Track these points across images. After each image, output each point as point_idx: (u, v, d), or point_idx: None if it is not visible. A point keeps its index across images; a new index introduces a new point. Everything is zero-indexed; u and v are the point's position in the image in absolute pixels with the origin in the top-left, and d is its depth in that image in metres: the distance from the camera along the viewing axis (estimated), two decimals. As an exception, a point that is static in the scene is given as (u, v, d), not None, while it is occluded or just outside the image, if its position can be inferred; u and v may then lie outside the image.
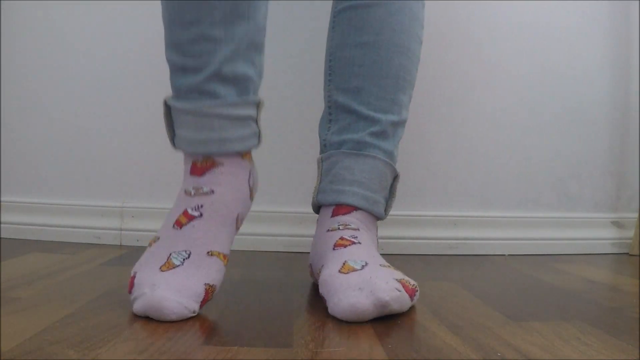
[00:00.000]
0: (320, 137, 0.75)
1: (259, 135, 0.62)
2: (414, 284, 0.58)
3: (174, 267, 0.54)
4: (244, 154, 0.61)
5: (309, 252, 0.71)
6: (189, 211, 0.57)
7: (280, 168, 1.02)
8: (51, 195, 1.04)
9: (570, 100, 1.09)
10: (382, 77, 0.70)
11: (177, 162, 1.03)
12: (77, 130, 1.04)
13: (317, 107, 0.79)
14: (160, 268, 0.54)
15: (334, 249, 0.61)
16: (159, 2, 0.59)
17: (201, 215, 0.57)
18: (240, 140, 0.59)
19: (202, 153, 0.59)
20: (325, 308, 0.56)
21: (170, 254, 0.55)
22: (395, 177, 0.74)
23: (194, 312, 0.53)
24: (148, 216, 1.01)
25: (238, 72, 0.58)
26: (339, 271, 0.57)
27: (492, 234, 1.04)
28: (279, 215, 1.01)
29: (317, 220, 0.71)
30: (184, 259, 0.54)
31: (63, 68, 1.04)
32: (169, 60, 0.59)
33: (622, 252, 1.08)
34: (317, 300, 0.62)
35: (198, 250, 0.55)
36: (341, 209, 0.67)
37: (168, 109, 0.60)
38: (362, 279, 0.55)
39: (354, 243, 0.62)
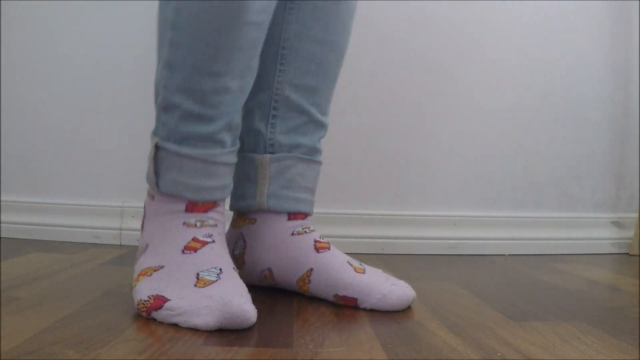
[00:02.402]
0: (258, 131, 0.69)
1: None
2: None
3: (212, 283, 0.52)
4: None
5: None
6: (200, 237, 0.57)
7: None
8: (51, 195, 1.04)
9: (570, 100, 1.09)
10: (332, 79, 0.70)
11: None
12: (77, 130, 1.04)
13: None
14: (196, 285, 0.52)
15: (318, 251, 0.64)
16: (159, 2, 0.59)
17: (213, 241, 0.58)
18: (230, 185, 0.62)
19: (206, 200, 0.59)
20: (327, 308, 0.56)
21: (197, 274, 0.54)
22: None
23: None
24: (148, 216, 1.01)
25: (239, 122, 0.61)
26: (356, 272, 0.61)
27: (492, 234, 1.04)
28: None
29: (254, 223, 0.68)
30: (218, 274, 0.54)
31: (63, 68, 1.04)
32: (176, 106, 0.57)
33: (622, 252, 1.08)
34: (317, 301, 0.63)
35: (226, 266, 0.55)
36: (298, 214, 0.67)
37: (158, 151, 0.59)
38: (384, 276, 0.62)
39: (329, 246, 0.65)
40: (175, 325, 0.50)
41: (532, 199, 1.08)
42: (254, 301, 0.61)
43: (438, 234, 1.03)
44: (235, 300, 0.50)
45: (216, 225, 0.59)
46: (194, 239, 0.57)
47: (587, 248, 1.07)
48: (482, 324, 0.54)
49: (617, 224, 1.10)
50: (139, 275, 0.56)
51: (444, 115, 1.06)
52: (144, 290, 0.54)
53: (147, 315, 0.52)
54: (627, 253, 1.07)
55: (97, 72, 1.04)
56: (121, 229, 1.01)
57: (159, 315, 0.52)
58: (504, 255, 1.03)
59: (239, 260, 0.68)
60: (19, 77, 1.05)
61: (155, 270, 0.56)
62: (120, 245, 1.00)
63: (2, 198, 1.04)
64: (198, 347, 0.44)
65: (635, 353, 0.46)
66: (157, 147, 0.59)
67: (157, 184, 0.59)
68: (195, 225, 0.58)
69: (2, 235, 1.02)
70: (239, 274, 0.59)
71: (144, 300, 0.53)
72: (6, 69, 1.05)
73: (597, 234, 1.09)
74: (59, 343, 0.44)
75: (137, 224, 1.01)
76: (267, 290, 0.67)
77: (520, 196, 1.08)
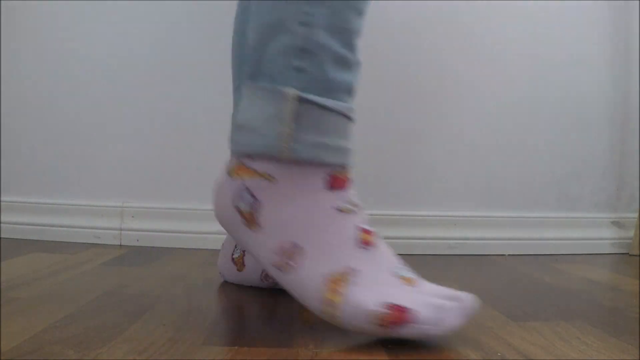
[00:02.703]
0: None
1: None
2: None
3: (416, 280, 0.48)
4: None
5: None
6: (366, 227, 0.50)
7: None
8: (51, 195, 1.04)
9: (570, 100, 1.09)
10: None
11: (176, 162, 1.03)
12: (77, 130, 1.04)
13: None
14: (405, 287, 0.47)
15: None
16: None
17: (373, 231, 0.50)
18: None
19: (344, 163, 0.50)
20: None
21: (394, 272, 0.48)
22: None
23: None
24: (148, 216, 1.01)
25: None
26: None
27: (492, 234, 1.04)
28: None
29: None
30: (409, 270, 0.49)
31: (63, 68, 1.04)
32: (324, 47, 0.48)
33: (622, 252, 1.08)
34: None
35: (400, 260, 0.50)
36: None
37: (299, 105, 0.47)
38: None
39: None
40: (175, 326, 0.50)
41: (532, 199, 1.08)
42: (254, 301, 0.62)
43: (438, 234, 1.03)
44: (453, 293, 0.47)
45: (361, 208, 0.51)
46: (364, 231, 0.49)
47: (587, 248, 1.07)
48: (482, 324, 0.54)
49: (617, 224, 1.10)
50: (331, 285, 0.46)
51: (444, 115, 1.06)
52: (367, 300, 0.45)
53: (387, 329, 0.45)
54: (627, 253, 1.07)
55: (97, 72, 1.04)
56: (121, 229, 1.01)
57: (408, 330, 0.44)
58: (504, 255, 1.03)
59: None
60: (19, 77, 1.05)
61: (349, 275, 0.46)
62: (120, 245, 1.00)
63: (2, 198, 1.04)
64: (198, 347, 0.44)
65: (635, 353, 0.46)
66: (299, 100, 0.47)
67: (292, 150, 0.47)
68: (352, 210, 0.49)
69: (2, 235, 1.02)
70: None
71: (381, 312, 0.44)
72: (6, 69, 1.05)
73: (597, 234, 1.09)
74: (59, 343, 0.44)
75: (137, 224, 1.01)
76: (267, 290, 0.67)
77: (520, 196, 1.08)
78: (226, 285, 0.69)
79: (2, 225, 1.03)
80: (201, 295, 0.63)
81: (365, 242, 0.48)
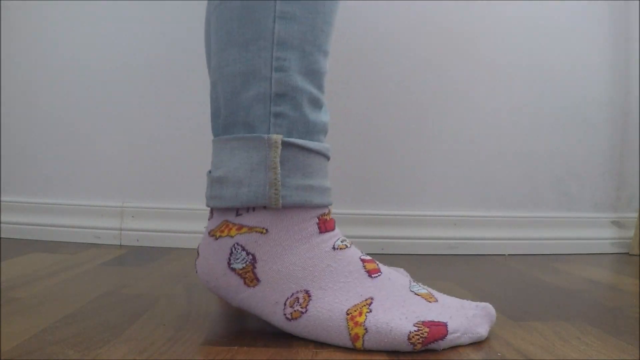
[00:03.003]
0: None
1: None
2: None
3: (432, 293, 0.50)
4: None
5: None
6: (367, 257, 0.50)
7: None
8: (51, 195, 1.04)
9: (570, 101, 1.09)
10: None
11: (176, 162, 1.03)
12: (78, 130, 1.04)
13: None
14: (429, 301, 0.48)
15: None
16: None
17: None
18: None
19: (330, 203, 0.51)
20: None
21: (412, 292, 0.48)
22: None
23: None
24: (148, 216, 1.01)
25: None
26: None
27: (492, 234, 1.04)
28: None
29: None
30: (422, 285, 0.51)
31: (63, 68, 1.04)
32: (301, 90, 0.48)
33: (622, 251, 1.08)
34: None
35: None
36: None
37: (284, 151, 0.47)
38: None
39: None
40: (175, 325, 0.50)
41: (532, 198, 1.08)
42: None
43: (438, 234, 1.03)
44: (472, 303, 0.50)
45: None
46: (364, 260, 0.49)
47: (587, 248, 1.07)
48: (482, 324, 0.54)
49: (617, 223, 1.10)
50: (352, 318, 0.45)
51: (444, 115, 1.06)
52: (398, 323, 0.45)
53: (425, 346, 0.45)
54: (627, 253, 1.07)
55: (97, 72, 1.04)
56: (121, 229, 1.01)
57: (444, 342, 0.45)
58: (504, 255, 1.03)
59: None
60: (19, 77, 1.05)
61: (371, 304, 0.46)
62: (120, 245, 1.00)
63: (2, 198, 1.04)
64: (198, 347, 0.44)
65: (635, 353, 0.46)
66: (284, 145, 0.47)
67: (282, 197, 0.47)
68: (347, 246, 0.49)
69: (2, 235, 1.02)
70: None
71: (415, 331, 0.44)
72: (6, 69, 1.05)
73: (597, 233, 1.09)
74: (59, 343, 0.44)
75: (137, 224, 1.01)
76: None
77: (520, 196, 1.08)
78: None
79: (2, 225, 1.03)
80: (201, 295, 0.63)
81: (372, 271, 0.48)
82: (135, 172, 1.04)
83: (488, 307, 0.50)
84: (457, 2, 1.06)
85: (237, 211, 0.48)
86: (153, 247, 0.99)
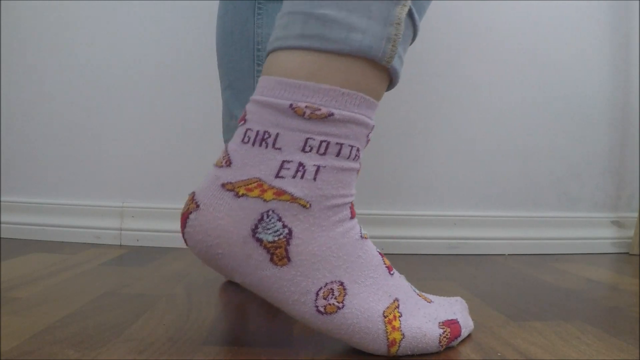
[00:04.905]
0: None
1: None
2: None
3: (423, 294, 0.49)
4: None
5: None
6: (379, 250, 0.47)
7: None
8: (51, 195, 1.04)
9: (570, 100, 1.09)
10: None
11: (176, 162, 1.03)
12: (77, 130, 1.04)
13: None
14: (431, 303, 0.48)
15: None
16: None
17: None
18: None
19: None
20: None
21: (416, 292, 0.48)
22: None
23: None
24: (148, 216, 1.02)
25: None
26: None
27: (492, 234, 1.04)
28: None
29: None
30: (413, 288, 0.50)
31: (63, 68, 1.04)
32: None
33: (622, 251, 1.08)
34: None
35: None
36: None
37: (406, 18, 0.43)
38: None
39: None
40: (175, 325, 0.50)
41: (532, 198, 1.08)
42: (254, 301, 0.61)
43: (438, 234, 1.03)
44: (450, 298, 0.52)
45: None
46: (381, 255, 0.46)
47: (587, 248, 1.07)
48: (482, 323, 0.54)
49: (617, 223, 1.10)
50: (389, 321, 0.43)
51: (444, 115, 1.06)
52: (425, 326, 0.44)
53: (447, 345, 0.45)
54: (627, 252, 1.07)
55: (98, 72, 1.04)
56: (121, 229, 1.01)
57: (459, 339, 0.47)
58: (504, 255, 1.03)
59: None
60: (19, 77, 1.05)
61: (398, 308, 0.44)
62: (121, 245, 1.00)
63: (2, 198, 1.04)
64: (198, 347, 0.44)
65: (635, 353, 0.46)
66: (409, 10, 0.42)
67: (394, 55, 0.42)
68: (367, 236, 0.46)
69: (2, 235, 1.02)
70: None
71: (442, 333, 0.45)
72: (6, 69, 1.05)
73: (597, 233, 1.09)
74: (59, 343, 0.44)
75: (137, 224, 1.01)
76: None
77: (520, 196, 1.08)
78: (226, 285, 0.69)
79: (2, 225, 1.03)
80: (201, 294, 0.63)
81: (389, 267, 0.46)
82: (135, 172, 1.04)
83: (462, 300, 0.52)
84: (457, 2, 1.06)
85: (279, 171, 0.41)
86: (153, 247, 0.99)
